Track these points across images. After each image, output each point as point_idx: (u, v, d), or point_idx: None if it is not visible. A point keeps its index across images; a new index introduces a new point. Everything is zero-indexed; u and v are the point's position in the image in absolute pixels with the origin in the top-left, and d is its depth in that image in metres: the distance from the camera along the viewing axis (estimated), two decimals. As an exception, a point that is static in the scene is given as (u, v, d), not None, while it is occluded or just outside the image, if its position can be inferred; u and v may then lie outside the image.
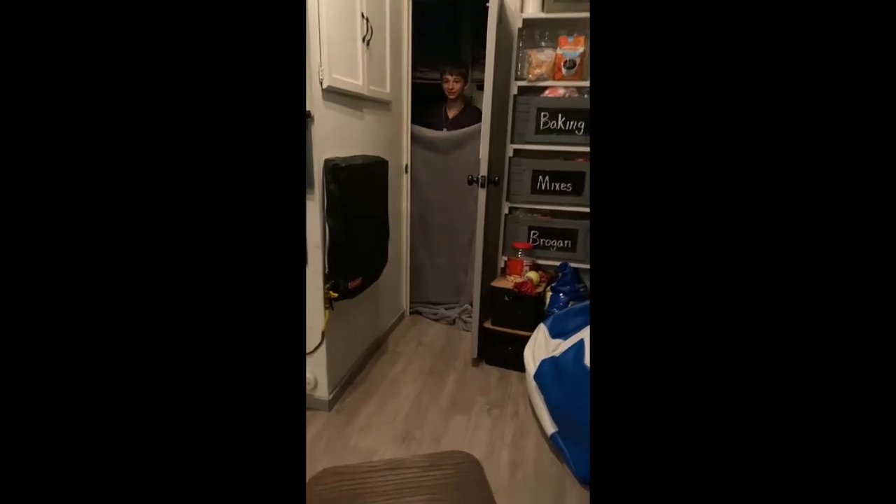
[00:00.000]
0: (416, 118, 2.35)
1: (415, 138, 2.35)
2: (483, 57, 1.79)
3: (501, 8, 1.79)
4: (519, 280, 2.04)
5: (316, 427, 1.60)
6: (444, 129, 2.43)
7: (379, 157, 1.82)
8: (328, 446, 1.51)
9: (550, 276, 2.13)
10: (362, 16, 1.62)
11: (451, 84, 2.35)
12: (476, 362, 2.08)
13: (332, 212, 1.49)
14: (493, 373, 2.02)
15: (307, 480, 0.76)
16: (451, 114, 2.45)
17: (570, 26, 1.94)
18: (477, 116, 2.33)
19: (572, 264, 2.06)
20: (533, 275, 2.06)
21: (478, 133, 2.18)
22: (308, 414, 1.66)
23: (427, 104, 2.50)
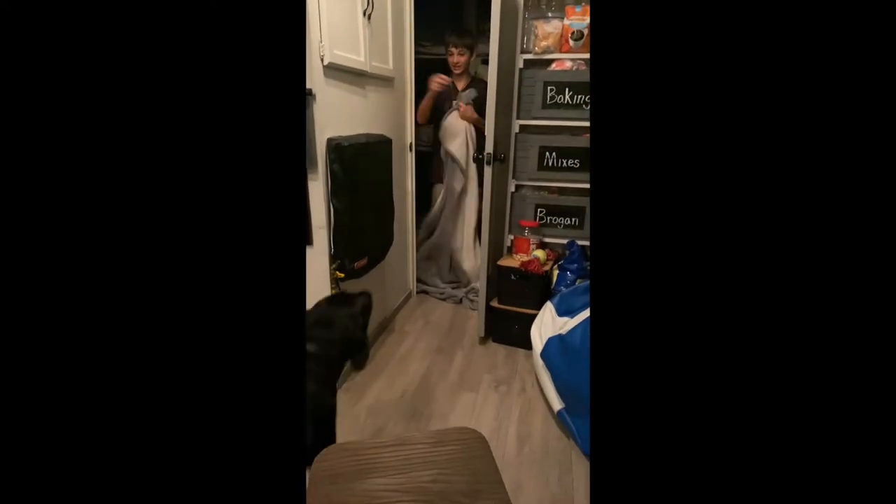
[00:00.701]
0: (423, 93, 2.29)
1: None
2: (488, 30, 1.74)
3: (506, -23, 1.73)
4: (525, 258, 2.03)
5: (325, 405, 1.63)
6: (455, 103, 2.34)
7: (382, 136, 1.79)
8: (338, 424, 1.54)
9: (557, 254, 2.12)
10: (362, -12, 1.57)
11: (456, 57, 2.26)
12: (483, 340, 2.09)
13: (335, 192, 1.48)
14: (499, 351, 2.03)
15: (315, 457, 0.77)
16: (460, 85, 2.37)
17: (577, -5, 1.88)
18: (484, 89, 2.25)
19: (580, 242, 2.05)
20: (540, 253, 2.05)
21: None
22: (317, 392, 1.68)
23: (427, 77, 2.41)
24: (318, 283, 1.57)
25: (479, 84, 2.36)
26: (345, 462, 0.75)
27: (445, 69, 2.37)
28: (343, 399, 1.67)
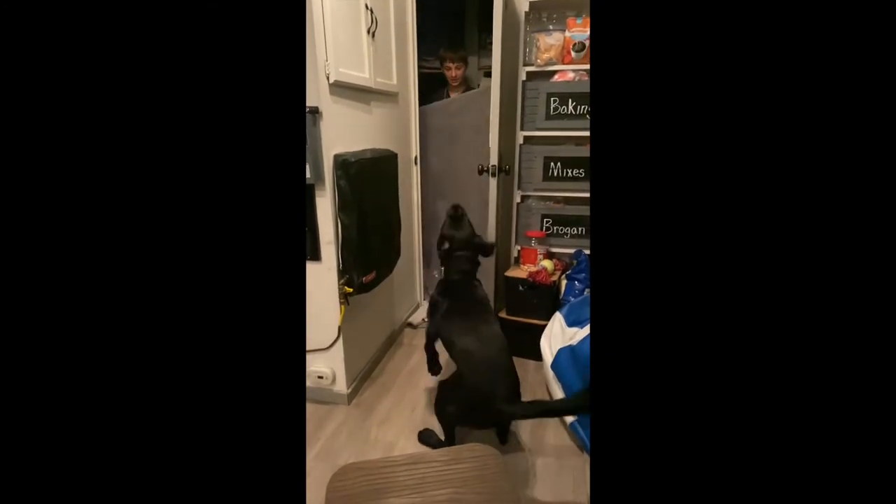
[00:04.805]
0: (421, 104, 2.32)
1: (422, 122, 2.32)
2: (490, 43, 1.76)
3: (507, -8, 1.75)
4: (533, 269, 2.02)
5: (336, 421, 1.62)
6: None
7: (388, 151, 1.80)
8: (348, 440, 1.53)
9: (565, 264, 2.11)
10: (366, 7, 1.60)
11: (454, 71, 2.33)
12: (492, 352, 2.07)
13: (343, 207, 1.49)
14: (509, 362, 2.01)
15: (330, 476, 0.77)
16: (454, 95, 2.42)
17: (577, 7, 1.90)
18: (477, 95, 2.31)
19: (587, 252, 2.04)
20: (547, 263, 2.04)
21: (470, 97, 2.13)
22: (327, 408, 1.68)
23: (430, 90, 2.47)
24: (326, 297, 1.57)
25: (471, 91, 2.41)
26: (359, 482, 0.74)
27: (444, 82, 2.41)
28: (354, 415, 1.66)
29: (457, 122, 2.36)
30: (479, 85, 2.79)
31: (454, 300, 1.50)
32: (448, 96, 2.44)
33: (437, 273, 1.62)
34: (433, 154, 2.42)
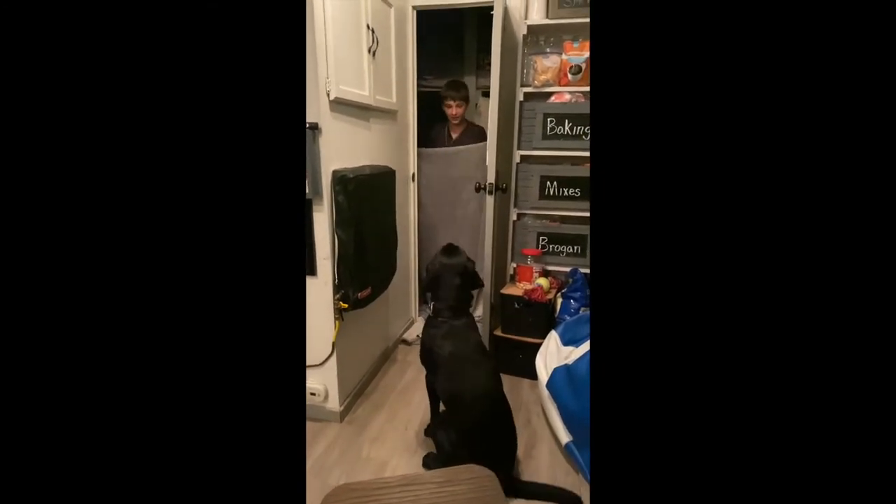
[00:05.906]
0: (421, 136, 2.35)
1: (420, 156, 2.36)
2: (488, 63, 1.79)
3: (506, 16, 1.79)
4: (529, 287, 2.02)
5: (328, 438, 1.59)
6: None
7: (386, 167, 1.82)
8: (340, 458, 1.50)
9: (561, 282, 2.12)
10: (367, 27, 1.63)
11: (455, 109, 2.36)
12: (487, 370, 2.05)
13: (340, 223, 1.49)
14: (504, 381, 1.99)
15: (321, 494, 0.75)
16: (454, 133, 2.46)
17: (574, 32, 1.94)
18: (478, 135, 2.37)
19: (582, 270, 2.05)
20: (543, 281, 2.04)
21: (478, 148, 2.20)
22: (319, 425, 1.65)
23: (431, 123, 2.50)
24: (322, 313, 1.56)
25: (474, 129, 2.45)
26: (352, 503, 0.73)
27: (444, 116, 2.45)
28: (346, 432, 1.63)
29: (455, 172, 2.40)
30: (477, 105, 2.83)
31: (451, 351, 1.42)
32: (448, 135, 2.45)
33: (428, 308, 1.55)
34: (430, 176, 2.44)
